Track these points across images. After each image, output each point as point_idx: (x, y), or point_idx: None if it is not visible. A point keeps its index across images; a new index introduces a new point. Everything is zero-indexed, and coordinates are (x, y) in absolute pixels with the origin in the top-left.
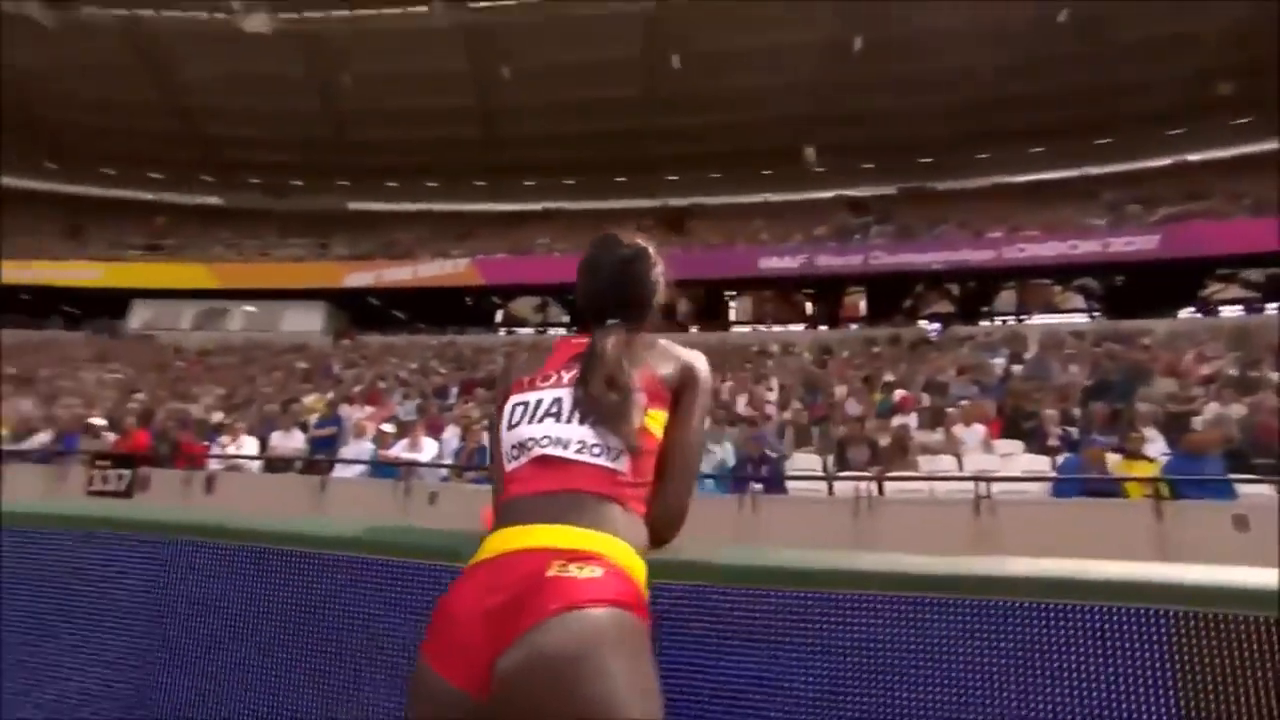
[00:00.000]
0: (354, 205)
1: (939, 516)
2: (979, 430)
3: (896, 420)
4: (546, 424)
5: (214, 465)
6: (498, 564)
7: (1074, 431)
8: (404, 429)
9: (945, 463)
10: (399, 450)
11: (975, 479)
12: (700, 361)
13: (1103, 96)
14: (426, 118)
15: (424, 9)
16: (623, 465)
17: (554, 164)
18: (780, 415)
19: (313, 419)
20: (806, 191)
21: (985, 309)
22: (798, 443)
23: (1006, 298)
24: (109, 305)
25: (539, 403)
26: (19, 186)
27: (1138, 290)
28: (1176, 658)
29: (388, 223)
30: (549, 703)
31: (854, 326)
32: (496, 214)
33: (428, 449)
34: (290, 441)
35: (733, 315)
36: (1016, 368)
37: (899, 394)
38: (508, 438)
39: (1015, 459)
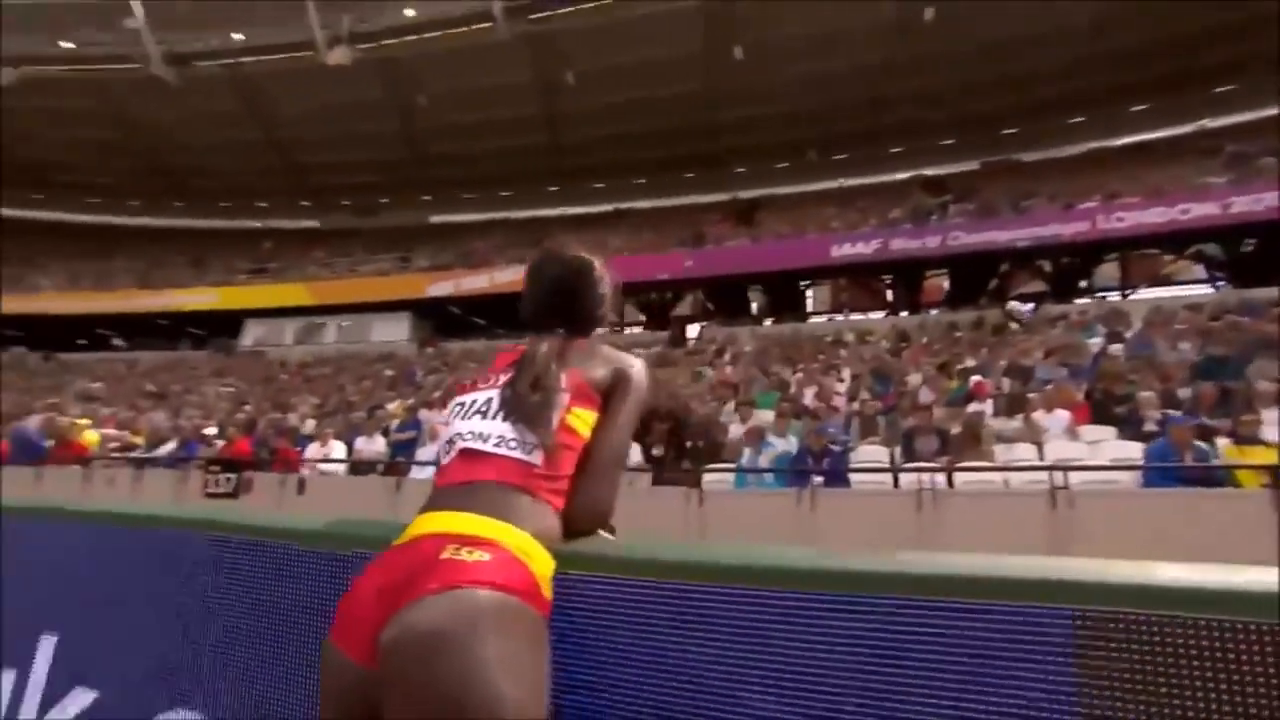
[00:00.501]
0: (435, 218)
1: (1011, 509)
2: (1062, 416)
3: (972, 408)
4: (474, 420)
5: (306, 469)
6: (404, 547)
7: (1177, 415)
8: None
9: (1023, 452)
10: None
11: (1050, 468)
12: (635, 367)
13: (1219, 38)
14: (496, 129)
15: (488, 25)
16: (536, 459)
17: (622, 165)
18: (850, 406)
19: (394, 424)
20: (881, 174)
21: (1083, 285)
22: (864, 434)
23: (1108, 272)
24: (226, 326)
25: (473, 402)
26: (154, 225)
27: (1270, 254)
28: (1076, 659)
29: (466, 233)
30: (415, 675)
31: (934, 312)
32: (568, 217)
33: None
34: (373, 446)
35: (810, 305)
36: (1116, 347)
37: (974, 380)
38: (443, 434)
39: (1103, 446)
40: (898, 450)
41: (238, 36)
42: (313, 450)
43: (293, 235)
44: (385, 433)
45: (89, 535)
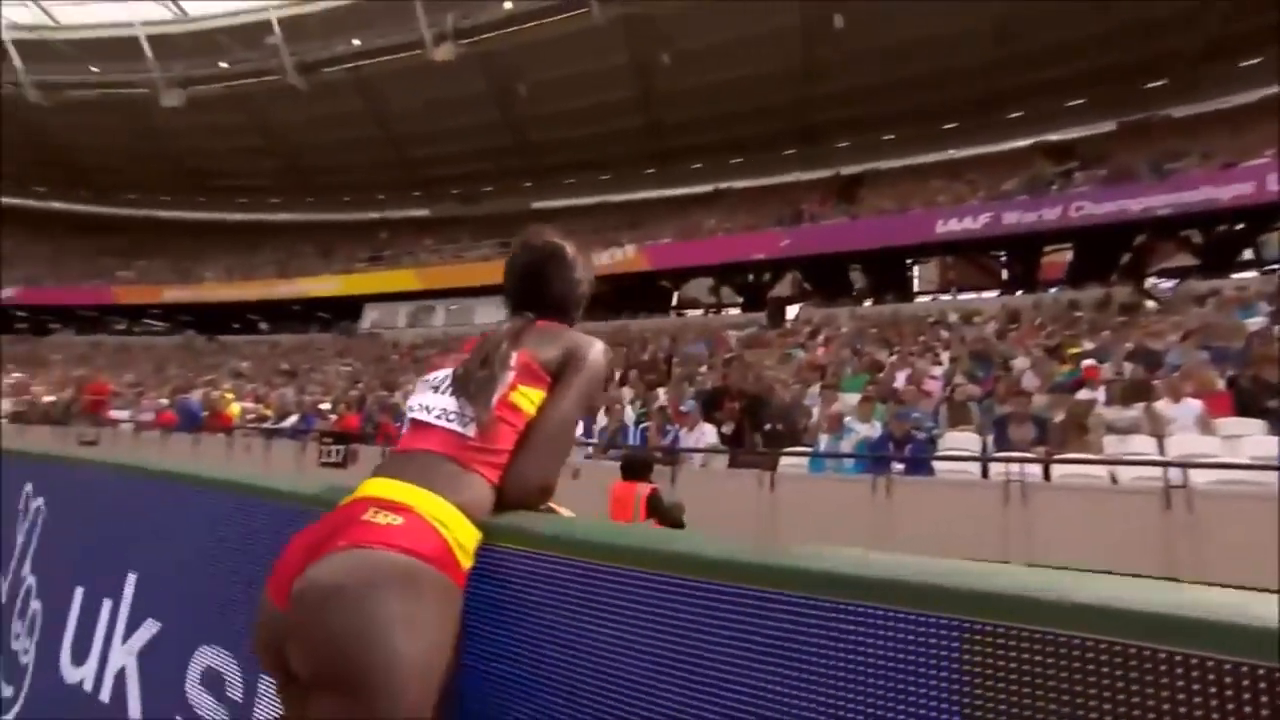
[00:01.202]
0: (536, 204)
1: (1116, 507)
2: (1193, 405)
3: (1082, 394)
4: (426, 395)
5: None
6: (340, 508)
7: None
8: None
9: (1140, 445)
10: None
11: (1168, 464)
12: (590, 348)
13: None
14: (594, 114)
15: (583, 10)
16: (471, 431)
17: (719, 145)
18: (945, 391)
19: None
20: (996, 143)
21: (1246, 258)
22: (955, 420)
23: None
24: (348, 310)
25: (433, 379)
26: (290, 220)
27: None
28: (966, 674)
29: (565, 217)
30: (312, 626)
31: (1054, 290)
32: (667, 199)
33: None
34: None
35: (916, 285)
36: None
37: (1085, 364)
38: (421, 398)
39: (1243, 442)
40: (990, 439)
41: (356, 41)
42: None
43: (406, 224)
44: None
45: (170, 492)
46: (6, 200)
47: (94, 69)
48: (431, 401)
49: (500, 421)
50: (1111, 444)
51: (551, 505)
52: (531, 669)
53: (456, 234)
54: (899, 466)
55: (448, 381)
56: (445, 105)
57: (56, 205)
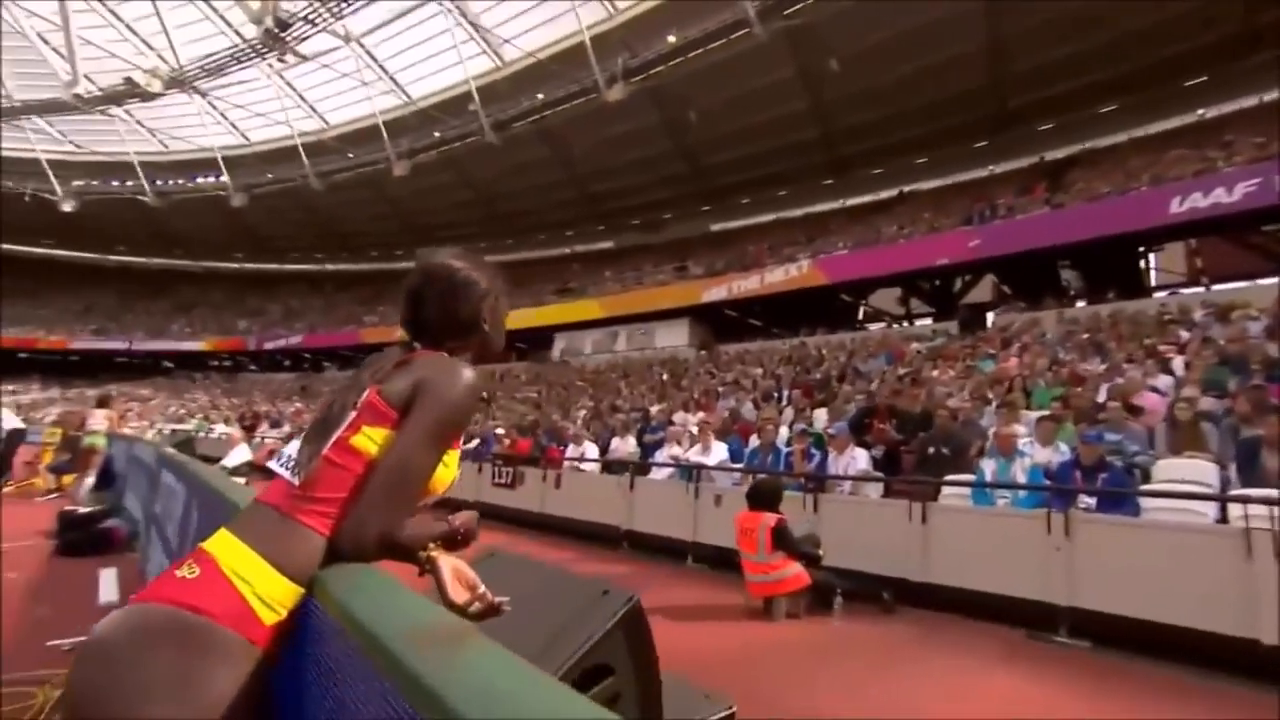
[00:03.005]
0: (715, 226)
1: None
2: None
3: None
4: (295, 441)
5: (567, 466)
6: None
7: None
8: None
9: None
10: (693, 454)
11: None
12: (444, 376)
13: None
14: (766, 130)
15: (745, 31)
16: (299, 479)
17: (900, 146)
18: (1173, 407)
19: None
20: (1263, 92)
21: None
22: (1179, 444)
23: None
24: (542, 340)
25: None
26: (495, 261)
27: None
28: None
29: (744, 237)
30: (71, 685)
31: None
32: (848, 209)
33: (715, 452)
34: (626, 446)
35: (1153, 279)
36: None
37: None
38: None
39: None
40: (1233, 469)
41: (540, 96)
42: (571, 450)
43: (593, 257)
44: (639, 435)
45: None
46: (297, 267)
47: (350, 155)
48: (291, 449)
49: (330, 466)
50: None
51: (432, 554)
52: None
53: (639, 262)
54: (1090, 500)
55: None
56: (621, 141)
57: (329, 267)
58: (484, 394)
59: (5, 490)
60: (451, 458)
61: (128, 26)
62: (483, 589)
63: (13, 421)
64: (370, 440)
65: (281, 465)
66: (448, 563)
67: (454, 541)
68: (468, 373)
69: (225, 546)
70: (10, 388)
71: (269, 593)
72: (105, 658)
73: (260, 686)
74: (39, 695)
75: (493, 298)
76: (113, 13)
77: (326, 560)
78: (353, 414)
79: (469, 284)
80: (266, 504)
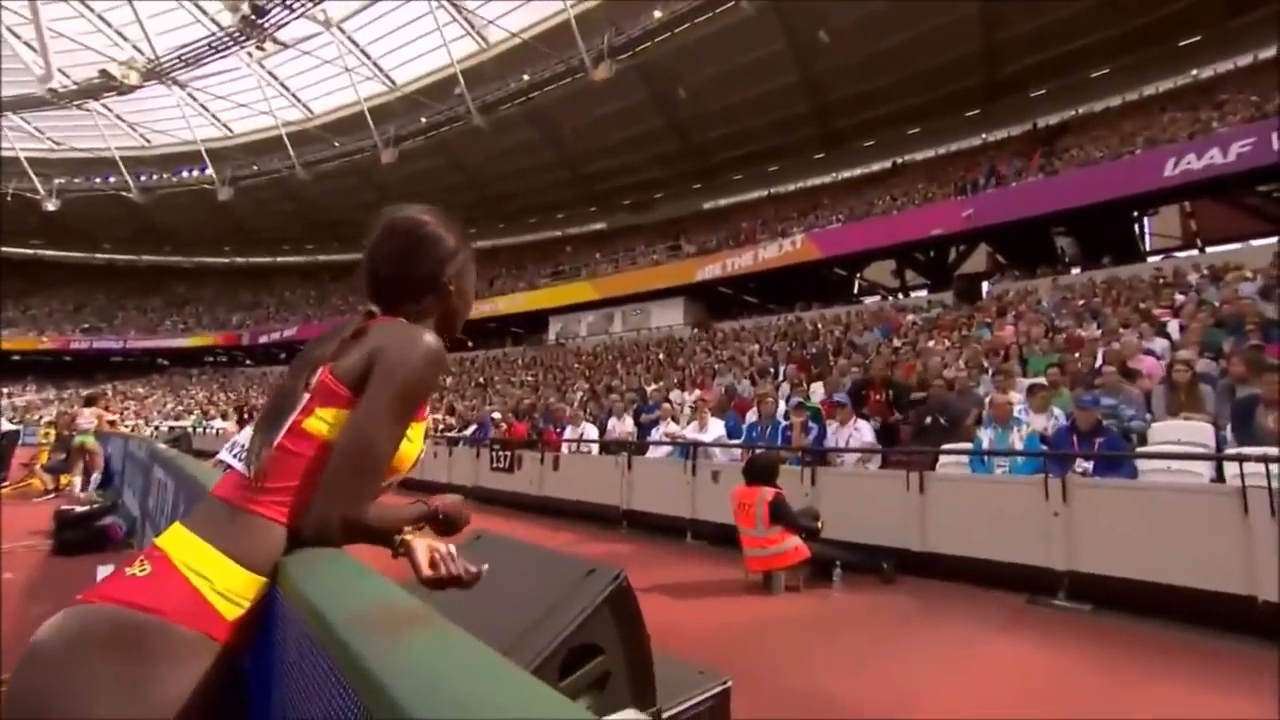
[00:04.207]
0: (707, 204)
1: None
2: None
3: None
4: (245, 432)
5: (565, 449)
6: None
7: None
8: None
9: None
10: (689, 431)
11: None
12: (401, 344)
13: None
14: (757, 105)
15: (732, 4)
16: (251, 469)
17: (892, 117)
18: (1169, 370)
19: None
20: (1259, 49)
21: None
22: (1177, 406)
23: None
24: (537, 323)
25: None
26: (488, 245)
27: None
28: None
29: (737, 214)
30: (11, 690)
31: None
32: (841, 183)
33: (712, 429)
34: (624, 426)
35: (1148, 243)
36: None
37: None
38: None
39: None
40: (1228, 430)
41: (525, 77)
42: (569, 432)
43: (586, 238)
44: (636, 415)
45: None
46: (289, 259)
47: (336, 143)
48: (243, 437)
49: (283, 453)
50: None
51: (405, 537)
52: None
53: (632, 243)
54: (1086, 465)
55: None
56: (610, 120)
57: (321, 258)
58: (447, 365)
59: (3, 491)
60: (416, 432)
61: (100, 17)
62: (457, 562)
63: (3, 424)
64: (322, 422)
65: (234, 456)
66: (421, 543)
67: (443, 526)
68: (428, 337)
69: (178, 541)
70: (5, 390)
71: (228, 586)
72: (42, 663)
73: (221, 679)
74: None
75: (461, 258)
76: (84, 3)
77: (290, 548)
78: (305, 396)
79: (435, 239)
80: (219, 498)
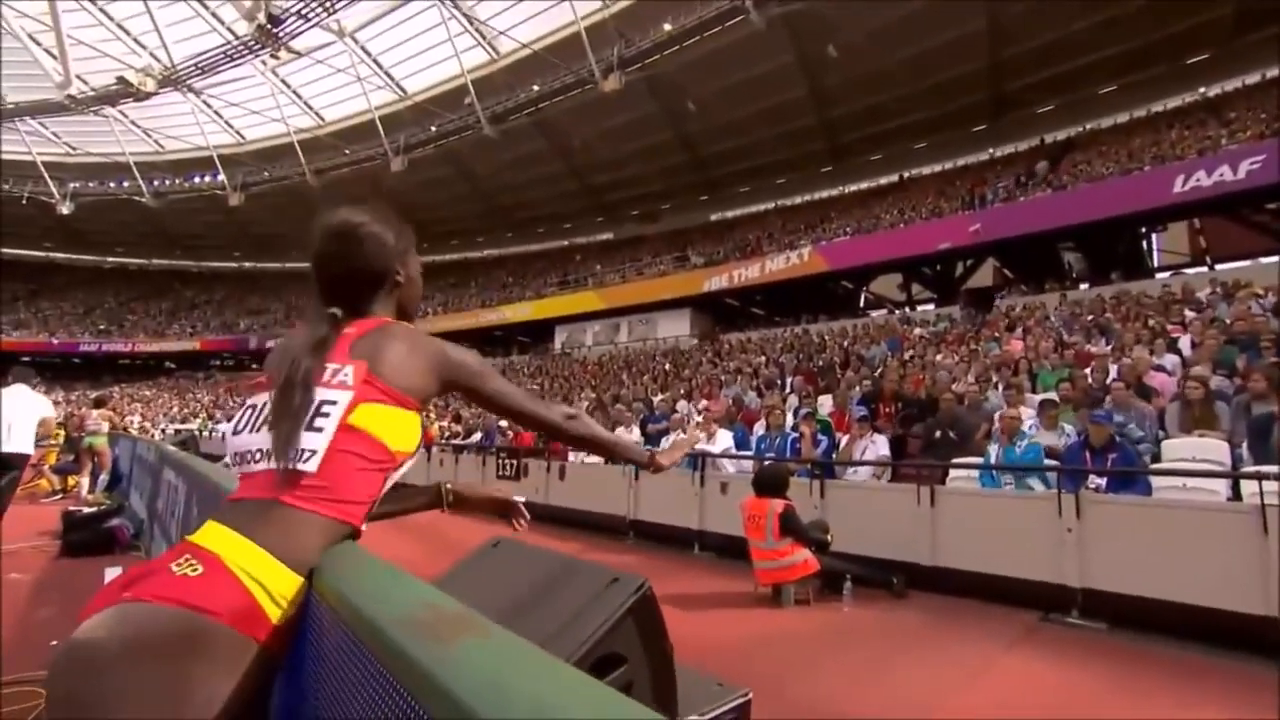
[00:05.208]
0: (715, 216)
1: None
2: None
3: None
4: (244, 435)
5: (571, 457)
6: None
7: None
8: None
9: None
10: (698, 442)
11: None
12: (456, 350)
13: None
14: (765, 118)
15: (740, 18)
16: (305, 465)
17: (900, 132)
18: (1183, 387)
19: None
20: (1266, 68)
21: None
22: (1190, 423)
23: None
24: (544, 332)
25: (259, 405)
26: (494, 255)
27: None
28: None
29: (743, 226)
30: (57, 691)
31: None
32: (848, 196)
33: (720, 440)
34: (631, 436)
35: (1156, 260)
36: None
37: None
38: (232, 443)
39: None
40: (1244, 448)
41: (535, 87)
42: None
43: (593, 248)
44: (643, 425)
45: None
46: (299, 265)
47: (347, 151)
48: (240, 443)
49: (334, 450)
50: None
51: (493, 493)
52: None
53: (640, 253)
54: (1099, 481)
55: (263, 416)
56: (619, 132)
57: None
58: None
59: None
60: (414, 421)
61: (119, 25)
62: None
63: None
64: (371, 418)
65: (247, 461)
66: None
67: (456, 505)
68: (435, 341)
69: (226, 542)
70: None
71: (279, 590)
72: (95, 663)
73: (259, 684)
74: (43, 695)
75: (402, 247)
76: (103, 11)
77: (333, 541)
78: (335, 394)
79: (376, 236)
80: (260, 499)
